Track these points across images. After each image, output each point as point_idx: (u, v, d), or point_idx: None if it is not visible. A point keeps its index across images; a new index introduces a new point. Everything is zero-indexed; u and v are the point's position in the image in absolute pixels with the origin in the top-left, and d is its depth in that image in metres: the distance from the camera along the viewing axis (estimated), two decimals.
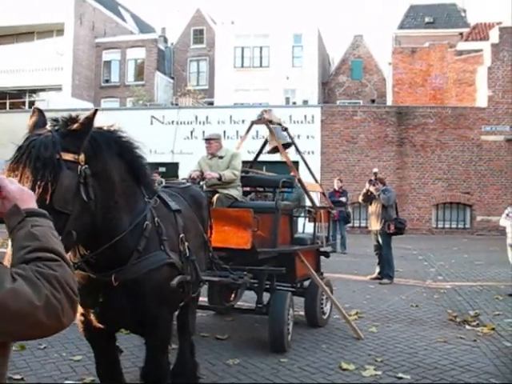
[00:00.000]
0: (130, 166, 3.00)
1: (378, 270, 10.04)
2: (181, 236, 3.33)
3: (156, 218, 3.09)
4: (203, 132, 21.25)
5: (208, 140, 6.24)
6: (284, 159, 6.64)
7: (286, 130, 7.03)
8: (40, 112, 2.63)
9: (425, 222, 20.21)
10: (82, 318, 3.14)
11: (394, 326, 6.70)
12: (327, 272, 10.61)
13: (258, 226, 5.31)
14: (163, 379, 3.30)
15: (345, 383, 4.66)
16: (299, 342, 5.83)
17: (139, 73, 33.00)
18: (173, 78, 35.66)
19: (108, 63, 33.26)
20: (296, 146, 7.13)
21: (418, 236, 18.86)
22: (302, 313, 6.61)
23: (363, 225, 18.72)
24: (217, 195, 5.85)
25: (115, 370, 3.39)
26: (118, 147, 2.87)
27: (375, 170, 10.80)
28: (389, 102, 27.39)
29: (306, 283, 6.68)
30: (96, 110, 2.56)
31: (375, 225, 9.98)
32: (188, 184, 4.30)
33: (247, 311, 6.14)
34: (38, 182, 2.29)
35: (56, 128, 2.53)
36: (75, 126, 2.53)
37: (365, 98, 31.77)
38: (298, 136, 20.66)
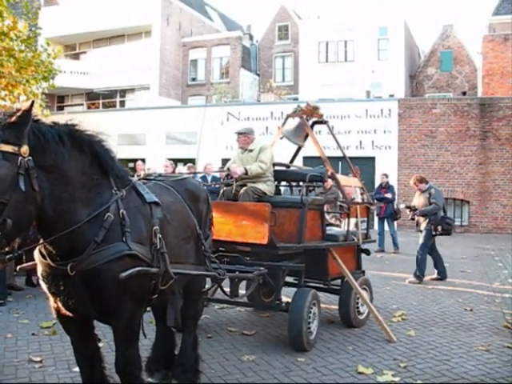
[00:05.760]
0: (94, 159, 3.03)
1: (436, 270, 9.56)
2: (154, 228, 3.29)
3: (121, 210, 3.07)
4: (278, 128, 21.19)
5: (238, 134, 6.20)
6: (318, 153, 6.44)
7: (325, 123, 6.85)
8: None
9: (510, 221, 18.82)
10: (55, 305, 3.20)
11: (437, 330, 6.27)
12: (388, 271, 10.32)
13: (276, 220, 5.17)
14: (132, 371, 3.27)
15: None
16: (325, 342, 5.62)
17: (225, 71, 33.57)
18: (258, 75, 35.97)
19: (194, 62, 34.11)
20: (336, 140, 6.90)
21: (502, 236, 17.64)
22: None
23: None
24: (243, 189, 5.78)
25: (94, 358, 3.42)
26: (75, 141, 2.93)
27: (402, 205, 11.27)
28: (479, 94, 25.84)
29: None
30: (33, 102, 2.62)
31: (422, 224, 9.58)
32: (184, 176, 4.26)
33: (266, 308, 6.02)
34: None
35: None
36: (13, 118, 2.61)
37: (455, 91, 30.14)
38: (375, 131, 20.15)
